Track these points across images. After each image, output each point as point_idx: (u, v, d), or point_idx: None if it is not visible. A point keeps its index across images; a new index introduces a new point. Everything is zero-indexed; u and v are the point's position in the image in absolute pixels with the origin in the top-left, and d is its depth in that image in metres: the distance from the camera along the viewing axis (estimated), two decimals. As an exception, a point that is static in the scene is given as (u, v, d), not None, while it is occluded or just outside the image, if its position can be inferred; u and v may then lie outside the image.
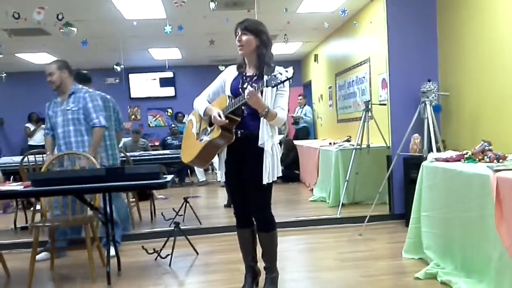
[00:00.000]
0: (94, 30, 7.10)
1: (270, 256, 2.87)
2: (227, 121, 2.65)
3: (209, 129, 2.79)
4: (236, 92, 2.75)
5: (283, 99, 2.74)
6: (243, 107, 2.70)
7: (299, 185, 7.88)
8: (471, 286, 2.75)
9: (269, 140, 2.68)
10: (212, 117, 2.68)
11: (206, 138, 2.77)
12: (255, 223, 2.89)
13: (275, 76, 2.50)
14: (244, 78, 2.79)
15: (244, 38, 2.71)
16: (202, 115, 2.84)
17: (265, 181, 2.68)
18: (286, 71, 2.51)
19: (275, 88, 2.62)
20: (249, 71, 2.81)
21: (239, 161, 2.77)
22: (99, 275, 3.39)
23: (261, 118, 2.65)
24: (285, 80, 2.50)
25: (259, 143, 2.66)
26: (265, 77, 2.55)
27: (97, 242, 3.64)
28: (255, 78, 2.75)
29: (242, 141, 2.71)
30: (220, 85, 2.90)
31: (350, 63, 7.73)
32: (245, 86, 2.72)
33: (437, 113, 4.46)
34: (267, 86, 2.54)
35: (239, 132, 2.71)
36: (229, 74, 2.87)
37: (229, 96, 2.75)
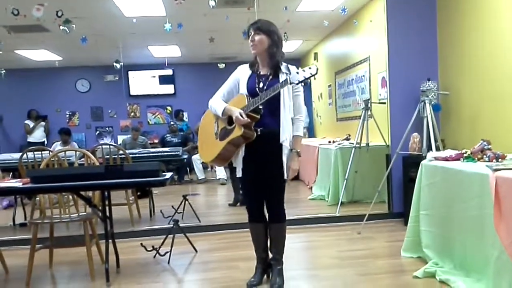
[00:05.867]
0: (94, 27, 7.09)
1: (278, 247, 2.99)
2: (249, 120, 2.74)
3: (228, 128, 2.86)
4: (253, 91, 2.84)
5: (300, 98, 2.90)
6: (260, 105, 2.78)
7: (298, 183, 7.88)
8: (470, 285, 2.75)
9: (289, 137, 2.81)
10: (234, 117, 2.76)
11: (227, 137, 2.83)
12: (267, 216, 2.99)
13: (297, 73, 2.65)
14: (259, 77, 2.88)
15: (257, 37, 2.83)
16: (220, 115, 2.89)
17: (285, 176, 2.82)
18: (310, 68, 2.63)
19: (291, 87, 2.78)
20: (263, 70, 2.90)
21: (258, 158, 2.85)
22: (98, 272, 3.39)
23: (281, 116, 2.77)
24: (310, 76, 2.64)
25: (281, 140, 2.77)
26: (288, 75, 2.68)
27: (96, 239, 3.64)
28: (270, 77, 2.85)
29: (262, 138, 2.80)
30: (234, 84, 2.98)
31: (350, 62, 7.73)
32: (261, 85, 2.83)
33: (436, 112, 4.47)
34: (291, 83, 2.68)
35: (258, 130, 2.80)
36: (242, 73, 2.96)
37: (246, 95, 2.83)
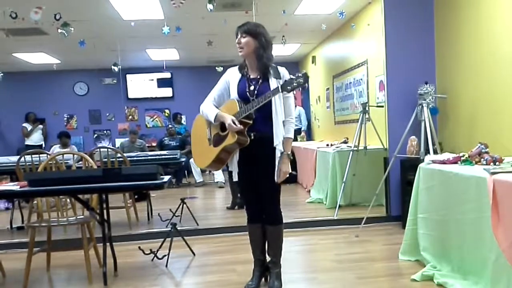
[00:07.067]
0: (92, 30, 7.09)
1: (276, 250, 2.99)
2: (242, 127, 2.75)
3: (222, 134, 2.86)
4: (243, 95, 2.84)
5: (290, 99, 2.88)
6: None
7: (296, 186, 7.89)
8: (468, 288, 2.76)
9: (282, 141, 2.81)
10: (227, 124, 2.77)
11: (221, 144, 2.84)
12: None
13: (289, 81, 2.67)
14: (249, 80, 2.87)
15: (243, 40, 2.82)
16: (212, 121, 2.88)
17: (277, 179, 2.82)
18: (300, 75, 2.65)
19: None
20: (252, 73, 2.89)
21: (251, 162, 2.86)
22: (96, 275, 3.38)
23: (273, 121, 2.77)
24: (300, 86, 2.66)
25: (275, 144, 2.78)
26: (277, 81, 2.71)
27: (94, 242, 3.63)
28: (260, 80, 2.84)
29: (255, 143, 2.81)
30: (224, 87, 2.97)
31: (348, 65, 7.74)
32: (251, 88, 2.83)
33: (434, 115, 4.47)
34: (282, 91, 2.70)
35: (252, 134, 2.80)
36: (231, 76, 2.94)
37: (237, 100, 2.83)
